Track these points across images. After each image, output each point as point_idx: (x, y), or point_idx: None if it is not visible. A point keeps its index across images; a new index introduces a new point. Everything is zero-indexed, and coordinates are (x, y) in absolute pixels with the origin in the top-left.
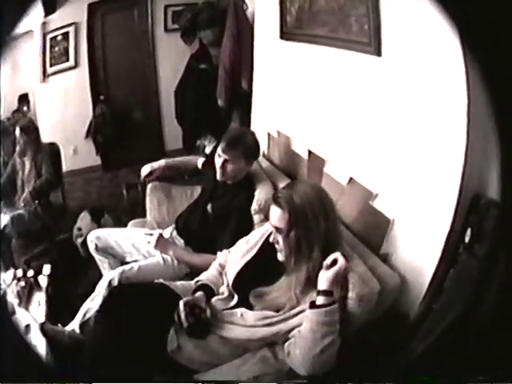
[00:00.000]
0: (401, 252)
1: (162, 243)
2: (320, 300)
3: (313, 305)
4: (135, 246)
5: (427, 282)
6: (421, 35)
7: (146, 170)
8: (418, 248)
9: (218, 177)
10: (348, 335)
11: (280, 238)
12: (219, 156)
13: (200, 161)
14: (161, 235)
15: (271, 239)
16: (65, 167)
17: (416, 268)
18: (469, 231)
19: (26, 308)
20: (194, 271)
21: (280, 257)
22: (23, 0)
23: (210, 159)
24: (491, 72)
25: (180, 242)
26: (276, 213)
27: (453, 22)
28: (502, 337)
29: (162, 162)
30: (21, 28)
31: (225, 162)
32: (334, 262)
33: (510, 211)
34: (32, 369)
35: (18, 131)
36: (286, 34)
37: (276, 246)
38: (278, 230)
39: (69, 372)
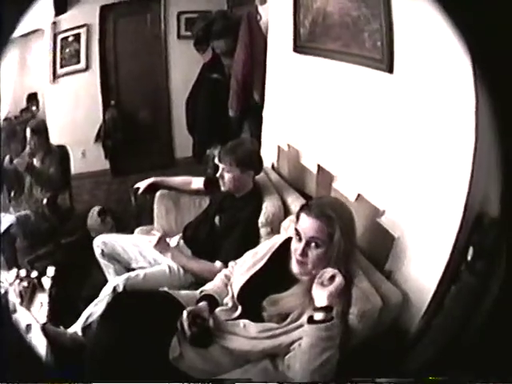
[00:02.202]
0: (404, 269)
1: (161, 244)
2: (319, 316)
3: (311, 320)
4: (142, 253)
5: (428, 298)
6: (433, 54)
7: (135, 186)
8: (422, 265)
9: (222, 187)
10: (348, 349)
11: (314, 251)
12: (219, 165)
13: (196, 182)
14: (162, 236)
15: (293, 249)
16: (73, 170)
17: (418, 285)
18: (471, 249)
19: (28, 308)
20: (199, 281)
21: (295, 268)
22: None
23: (210, 179)
24: (499, 90)
25: (187, 251)
26: (314, 224)
27: (464, 43)
28: (499, 354)
29: (149, 180)
30: (30, 26)
31: (222, 170)
32: (332, 278)
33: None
34: (32, 369)
35: (28, 132)
36: (299, 47)
37: (298, 257)
38: (312, 240)
39: (69, 372)
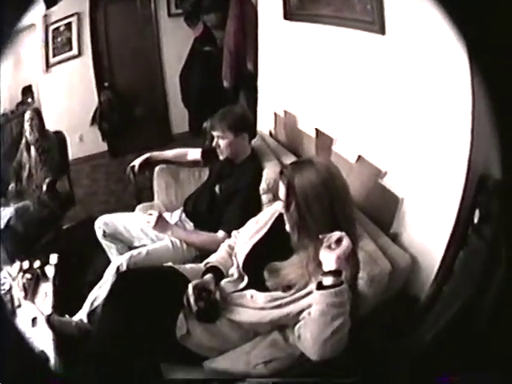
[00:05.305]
0: (410, 231)
1: (160, 224)
2: (328, 281)
3: (320, 286)
4: (143, 230)
5: (437, 263)
6: (423, 12)
7: (131, 164)
8: (428, 227)
9: (220, 156)
10: (358, 318)
11: (283, 211)
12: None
13: (191, 153)
14: (160, 216)
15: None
16: (71, 155)
17: (426, 248)
18: (477, 212)
19: (32, 300)
20: (203, 254)
21: (287, 228)
22: None
23: (207, 150)
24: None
25: (190, 224)
26: (281, 185)
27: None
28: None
29: (144, 156)
30: (22, 22)
31: (217, 139)
32: (339, 241)
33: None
34: (32, 369)
35: (28, 114)
36: (289, 14)
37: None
38: (282, 201)
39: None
